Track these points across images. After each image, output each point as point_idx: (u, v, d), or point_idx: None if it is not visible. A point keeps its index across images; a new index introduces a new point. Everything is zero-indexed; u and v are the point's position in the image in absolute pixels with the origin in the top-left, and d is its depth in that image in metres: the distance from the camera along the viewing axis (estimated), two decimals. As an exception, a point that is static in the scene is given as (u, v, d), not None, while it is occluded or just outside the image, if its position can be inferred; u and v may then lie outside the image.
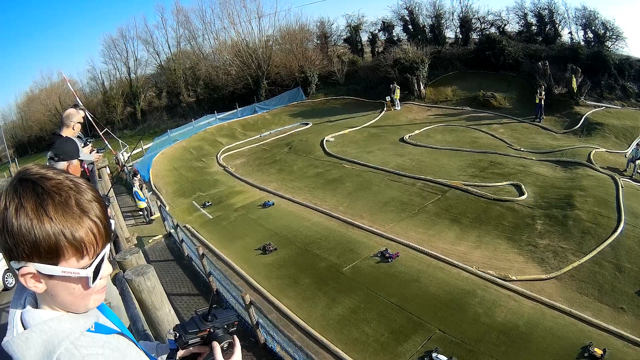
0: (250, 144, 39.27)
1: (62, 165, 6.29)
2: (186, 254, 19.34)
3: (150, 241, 22.29)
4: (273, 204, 24.95)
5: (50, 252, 1.77)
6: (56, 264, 1.80)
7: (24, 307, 1.90)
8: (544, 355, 12.40)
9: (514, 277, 15.99)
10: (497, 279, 15.89)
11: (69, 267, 1.82)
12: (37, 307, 1.91)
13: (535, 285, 15.72)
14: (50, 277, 1.82)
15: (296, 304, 15.26)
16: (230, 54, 57.74)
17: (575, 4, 56.81)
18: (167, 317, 5.33)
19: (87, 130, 34.55)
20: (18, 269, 1.78)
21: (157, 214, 25.37)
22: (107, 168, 16.17)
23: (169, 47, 67.04)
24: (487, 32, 56.20)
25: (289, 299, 15.48)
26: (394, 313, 14.37)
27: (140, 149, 39.32)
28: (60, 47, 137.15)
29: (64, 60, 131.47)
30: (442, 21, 58.81)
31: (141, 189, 25.74)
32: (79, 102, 38.02)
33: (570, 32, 55.44)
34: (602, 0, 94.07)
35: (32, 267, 1.78)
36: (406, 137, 35.36)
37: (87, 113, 32.98)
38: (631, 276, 15.81)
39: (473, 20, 58.36)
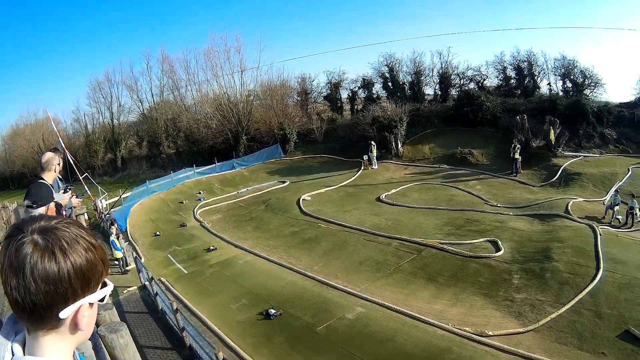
0: (227, 200, 39.22)
1: (41, 210, 6.36)
2: (160, 308, 19.08)
3: (125, 292, 21.99)
4: (216, 249, 26.22)
5: (95, 281, 1.99)
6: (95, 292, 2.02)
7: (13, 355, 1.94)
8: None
9: (490, 333, 15.94)
10: (474, 335, 15.81)
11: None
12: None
13: (513, 339, 15.69)
14: (91, 305, 2.02)
15: (270, 362, 15.04)
16: (211, 107, 58.08)
17: (554, 54, 58.04)
18: (139, 374, 5.31)
19: (68, 174, 34.35)
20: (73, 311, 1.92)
21: (133, 265, 25.10)
22: (86, 214, 16.12)
23: (152, 96, 67.38)
24: (466, 88, 57.28)
25: (262, 357, 15.32)
26: (369, 372, 14.07)
27: (117, 198, 39.15)
28: (49, 83, 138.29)
29: (51, 97, 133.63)
30: (422, 78, 60.08)
31: (118, 239, 25.46)
32: (62, 144, 37.97)
33: (549, 83, 56.63)
34: (583, 44, 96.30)
35: (85, 300, 1.95)
36: (382, 196, 35.50)
37: (68, 156, 32.77)
38: (611, 321, 15.94)
39: (452, 76, 59.55)
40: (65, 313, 1.88)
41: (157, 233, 30.80)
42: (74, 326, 1.97)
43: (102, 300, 2.08)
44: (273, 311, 18.17)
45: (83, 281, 1.91)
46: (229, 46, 59.60)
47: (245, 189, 41.96)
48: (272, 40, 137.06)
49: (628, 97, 53.69)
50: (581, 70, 53.56)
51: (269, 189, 41.16)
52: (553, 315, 16.65)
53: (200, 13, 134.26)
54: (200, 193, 40.77)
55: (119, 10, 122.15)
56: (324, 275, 21.86)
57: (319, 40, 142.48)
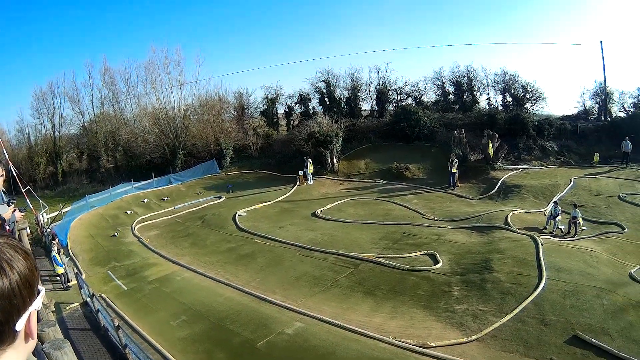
0: (164, 215, 38.89)
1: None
2: (102, 324, 18.86)
3: (67, 308, 21.63)
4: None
5: (35, 287, 1.99)
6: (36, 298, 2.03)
7: None
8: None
9: (433, 344, 16.11)
10: (416, 347, 15.97)
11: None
12: None
13: (456, 349, 15.89)
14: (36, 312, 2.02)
15: (212, 379, 14.84)
16: (149, 121, 57.33)
17: (495, 69, 59.11)
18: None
19: (11, 187, 33.66)
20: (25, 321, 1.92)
21: (74, 281, 24.64)
22: (28, 229, 15.81)
23: (93, 108, 66.03)
24: (404, 103, 57.94)
25: (205, 375, 15.04)
26: (312, 387, 14.09)
27: (58, 212, 38.45)
28: None
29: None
30: (359, 93, 60.43)
31: (59, 254, 25.04)
32: (6, 155, 37.43)
33: (488, 98, 57.93)
34: (525, 59, 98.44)
35: (32, 308, 1.96)
36: (318, 211, 35.67)
37: (12, 168, 32.08)
38: (558, 327, 16.37)
39: (390, 92, 60.20)
40: (20, 324, 1.89)
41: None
42: (26, 336, 1.98)
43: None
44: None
45: (29, 289, 1.93)
46: (169, 59, 59.03)
47: (182, 205, 41.71)
48: (212, 54, 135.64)
49: (571, 110, 55.75)
50: (522, 85, 54.87)
51: (205, 205, 41.07)
52: (496, 325, 16.92)
53: (143, 23, 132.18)
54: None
55: (65, 18, 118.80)
56: (262, 291, 22.02)
57: (258, 55, 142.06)
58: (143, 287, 23.61)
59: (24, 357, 2.03)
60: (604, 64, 53.21)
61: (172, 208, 40.67)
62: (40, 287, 2.06)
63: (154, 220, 37.11)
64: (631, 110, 51.45)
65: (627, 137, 42.09)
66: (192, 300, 21.38)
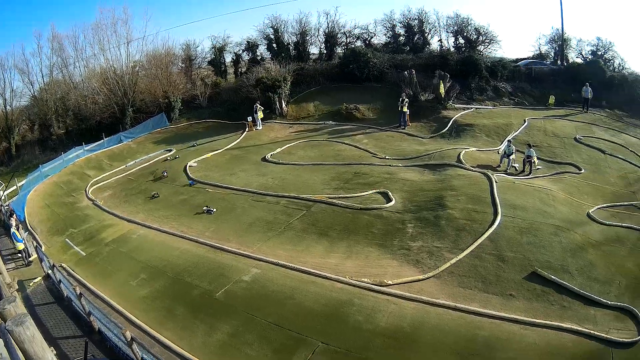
0: (116, 174, 38.23)
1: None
2: (65, 295, 18.70)
3: (31, 284, 21.32)
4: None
5: None
6: None
7: None
8: (436, 351, 13.01)
9: (389, 282, 16.47)
10: (373, 286, 16.36)
11: None
12: None
13: (414, 286, 16.29)
14: None
15: (176, 334, 15.17)
16: (98, 82, 56.05)
17: (448, 13, 60.25)
18: (52, 365, 5.31)
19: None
20: None
21: (35, 255, 24.23)
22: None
23: (42, 77, 63.92)
24: (353, 46, 57.27)
25: (168, 331, 15.36)
26: (273, 332, 14.57)
27: (14, 187, 37.92)
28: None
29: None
30: (307, 38, 59.94)
31: (18, 230, 24.66)
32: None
33: (440, 40, 57.87)
34: (478, 6, 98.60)
35: None
36: (268, 156, 35.77)
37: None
38: (515, 264, 16.85)
39: (339, 35, 59.65)
40: None
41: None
42: None
43: None
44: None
45: None
46: (116, 18, 57.42)
47: (133, 162, 41.07)
48: (159, 8, 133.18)
49: (526, 53, 57.19)
50: (475, 28, 54.81)
51: (157, 159, 40.44)
52: (453, 261, 17.37)
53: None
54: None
55: None
56: (216, 240, 22.24)
57: (205, 6, 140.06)
58: (101, 251, 23.49)
59: None
60: (562, 11, 55.03)
61: (124, 166, 40.19)
62: None
63: (107, 181, 36.70)
64: (589, 57, 52.41)
65: (587, 83, 42.45)
66: (149, 257, 21.51)
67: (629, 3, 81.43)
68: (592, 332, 13.32)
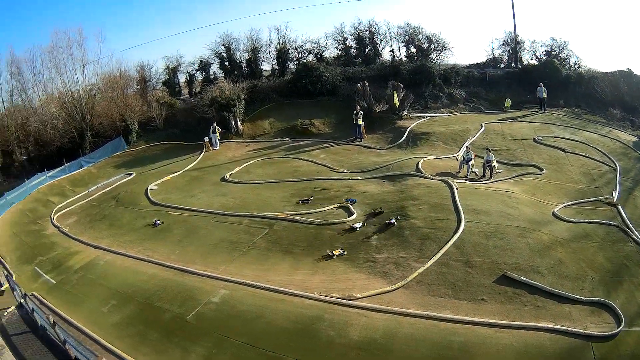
0: (79, 200, 37.75)
1: None
2: (40, 324, 18.66)
3: (5, 314, 21.12)
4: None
5: None
6: None
7: None
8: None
9: (358, 295, 16.78)
10: (342, 300, 16.66)
11: None
12: None
13: (384, 298, 16.65)
14: None
15: (152, 359, 15.35)
16: (56, 106, 55.29)
17: (398, 23, 59.75)
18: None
19: None
20: None
21: (6, 284, 24.04)
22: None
23: (2, 102, 63.20)
24: (304, 61, 57.46)
25: (144, 356, 15.52)
26: (247, 352, 14.87)
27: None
28: None
29: None
30: (259, 54, 59.88)
31: (-13, 259, 24.61)
32: None
33: (392, 50, 58.37)
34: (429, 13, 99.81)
35: None
36: (227, 175, 35.71)
37: None
38: (484, 268, 17.38)
39: (290, 50, 59.85)
40: None
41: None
42: None
43: None
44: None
45: None
46: (71, 40, 56.73)
47: (95, 187, 40.51)
48: (113, 29, 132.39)
49: (479, 58, 57.49)
50: (427, 36, 55.60)
51: (117, 184, 40.03)
52: (420, 270, 17.82)
53: (47, 7, 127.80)
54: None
55: None
56: (182, 263, 22.32)
57: (158, 26, 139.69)
58: (70, 278, 23.43)
59: None
60: (514, 14, 54.91)
61: (86, 192, 39.66)
62: None
63: (71, 207, 36.26)
64: (544, 58, 53.29)
65: (541, 84, 43.54)
66: (117, 283, 21.46)
67: (582, 1, 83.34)
68: (568, 328, 13.87)
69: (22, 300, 20.94)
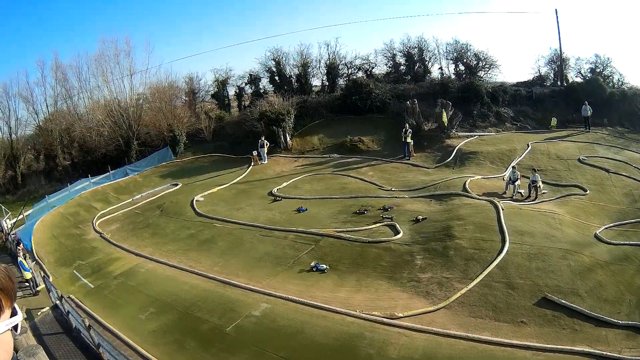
0: (123, 208, 38.10)
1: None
2: (74, 326, 18.66)
3: (39, 314, 21.31)
4: (307, 209, 27.89)
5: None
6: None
7: None
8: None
9: (400, 314, 16.34)
10: (384, 319, 16.19)
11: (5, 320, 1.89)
12: None
13: (425, 318, 16.16)
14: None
15: (187, 369, 14.97)
16: (102, 113, 56.04)
17: (447, 40, 60.14)
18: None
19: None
20: None
21: (42, 285, 24.26)
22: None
23: (47, 107, 64.01)
24: (354, 77, 57.32)
25: (180, 365, 15.18)
26: (285, 367, 14.33)
27: (21, 216, 37.96)
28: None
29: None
30: (309, 70, 59.82)
31: (25, 259, 24.64)
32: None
33: (440, 68, 57.94)
34: (477, 31, 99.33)
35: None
36: (274, 190, 35.63)
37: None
38: (525, 290, 16.76)
39: (340, 66, 59.66)
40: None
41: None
42: None
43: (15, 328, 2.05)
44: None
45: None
46: (118, 49, 57.66)
47: (140, 195, 40.96)
48: (161, 40, 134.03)
49: (525, 76, 56.45)
50: (475, 54, 55.24)
51: (163, 193, 40.37)
52: (463, 291, 17.25)
53: (91, 14, 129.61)
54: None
55: (14, 15, 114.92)
56: (225, 275, 22.07)
57: (207, 39, 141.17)
58: (109, 283, 23.40)
59: None
60: (559, 31, 54.33)
61: (131, 199, 40.01)
62: (17, 310, 2.03)
63: (114, 214, 36.53)
64: (588, 75, 52.56)
65: (585, 102, 42.80)
66: (158, 291, 21.35)
67: (625, 17, 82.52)
68: (603, 352, 13.35)
69: (57, 302, 20.90)
